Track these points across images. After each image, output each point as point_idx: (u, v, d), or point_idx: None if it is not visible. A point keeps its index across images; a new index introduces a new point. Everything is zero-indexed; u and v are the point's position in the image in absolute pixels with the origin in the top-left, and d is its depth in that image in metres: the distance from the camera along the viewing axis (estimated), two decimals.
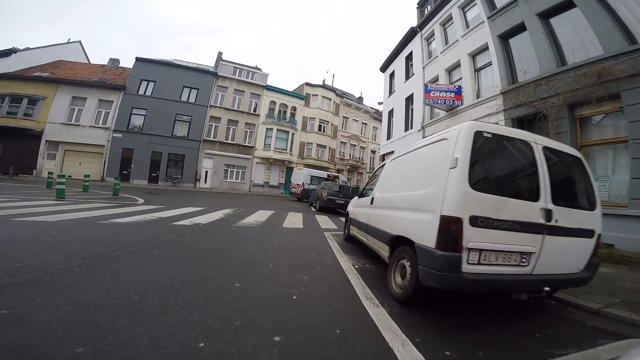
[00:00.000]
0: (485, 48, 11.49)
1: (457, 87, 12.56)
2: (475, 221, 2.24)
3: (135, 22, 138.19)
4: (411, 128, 16.79)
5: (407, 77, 18.06)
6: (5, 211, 5.69)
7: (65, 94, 22.97)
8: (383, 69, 22.38)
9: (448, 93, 12.48)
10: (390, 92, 20.93)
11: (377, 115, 39.26)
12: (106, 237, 4.44)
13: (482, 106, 10.93)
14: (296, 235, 6.80)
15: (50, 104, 22.71)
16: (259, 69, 29.76)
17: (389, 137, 20.39)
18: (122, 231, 5.00)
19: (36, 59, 24.06)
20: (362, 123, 36.95)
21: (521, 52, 10.07)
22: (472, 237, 2.23)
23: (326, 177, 20.23)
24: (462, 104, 12.36)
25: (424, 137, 9.01)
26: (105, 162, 23.43)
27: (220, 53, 28.93)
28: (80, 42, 27.65)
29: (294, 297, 2.72)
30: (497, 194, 2.34)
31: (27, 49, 23.54)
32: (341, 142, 34.29)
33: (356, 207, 5.70)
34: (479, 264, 2.28)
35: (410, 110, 17.31)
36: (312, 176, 19.53)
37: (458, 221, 2.22)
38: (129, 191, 16.30)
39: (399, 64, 19.43)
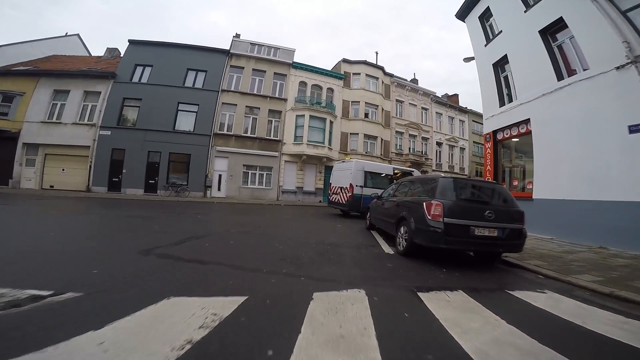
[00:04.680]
0: None
1: None
2: None
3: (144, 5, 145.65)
4: (583, 70, 8.30)
5: None
6: None
7: (45, 88, 18.44)
8: (464, 12, 14.26)
9: None
10: (491, 35, 12.69)
11: (440, 99, 30.57)
12: None
13: None
14: None
15: (29, 100, 18.24)
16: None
17: (505, 101, 11.83)
18: None
19: (25, 54, 20.28)
20: (422, 108, 28.40)
21: None
22: None
23: (392, 173, 12.48)
24: None
25: None
26: (91, 167, 18.03)
27: (237, 35, 23.14)
28: (78, 35, 24.06)
29: None
30: None
31: (12, 43, 19.82)
32: (396, 132, 26.02)
33: None
34: None
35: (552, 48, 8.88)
36: (366, 172, 11.74)
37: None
38: (117, 206, 10.82)
39: None
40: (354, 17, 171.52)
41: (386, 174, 12.29)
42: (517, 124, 10.85)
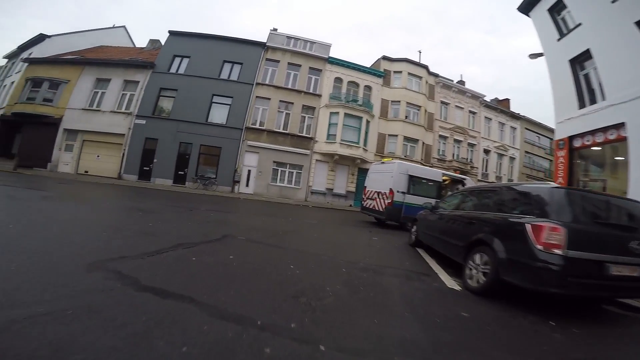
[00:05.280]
0: None
1: None
2: None
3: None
4: None
5: None
6: None
7: (89, 76, 18.94)
8: (529, 5, 12.26)
9: None
10: (565, 29, 10.71)
11: (490, 103, 27.88)
12: None
13: None
14: None
15: (73, 88, 18.77)
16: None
17: (586, 103, 9.73)
18: None
19: (74, 44, 21.10)
20: (470, 112, 25.91)
21: None
22: None
23: (440, 180, 10.60)
24: None
25: None
26: (124, 155, 18.05)
27: (274, 29, 22.51)
28: (124, 27, 24.80)
29: None
30: None
31: (62, 33, 20.69)
32: (440, 135, 23.81)
33: None
34: None
35: None
36: (411, 176, 9.93)
37: None
38: (133, 196, 10.02)
39: None
40: (393, 20, 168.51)
41: (434, 181, 10.46)
42: (605, 129, 8.74)
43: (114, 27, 24.09)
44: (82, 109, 18.50)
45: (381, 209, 9.83)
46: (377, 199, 10.16)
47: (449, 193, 11.04)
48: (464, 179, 11.25)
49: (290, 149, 19.41)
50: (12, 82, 20.48)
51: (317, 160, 19.79)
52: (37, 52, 19.88)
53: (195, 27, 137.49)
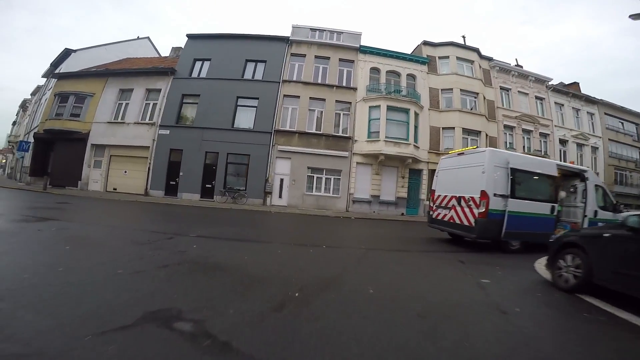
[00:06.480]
0: None
1: None
2: None
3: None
4: None
5: None
6: None
7: (112, 88, 18.13)
8: None
9: None
10: None
11: (559, 87, 23.33)
12: None
13: None
14: None
15: (98, 101, 18.02)
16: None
17: None
18: None
19: (100, 58, 20.57)
20: (536, 97, 21.63)
21: None
22: None
23: (555, 174, 7.12)
24: None
25: None
26: (149, 169, 16.79)
27: (295, 27, 20.05)
28: (148, 37, 24.19)
29: None
30: None
31: (86, 48, 20.24)
32: (505, 125, 19.85)
33: None
34: None
35: None
36: (513, 170, 6.55)
37: None
38: (132, 217, 8.23)
39: None
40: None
41: (547, 176, 7.05)
42: None
43: (138, 39, 23.53)
44: (108, 122, 17.64)
45: (467, 223, 6.70)
46: (458, 208, 7.05)
47: (562, 193, 7.81)
48: (584, 170, 7.80)
49: (326, 151, 16.89)
50: (46, 100, 20.42)
51: (358, 162, 17.04)
52: (65, 67, 19.55)
53: (216, 30, 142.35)
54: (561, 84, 26.35)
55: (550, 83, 22.83)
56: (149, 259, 4.02)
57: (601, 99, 24.95)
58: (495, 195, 6.32)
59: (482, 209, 6.32)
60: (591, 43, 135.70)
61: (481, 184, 6.42)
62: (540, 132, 20.55)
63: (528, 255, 6.26)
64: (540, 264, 5.31)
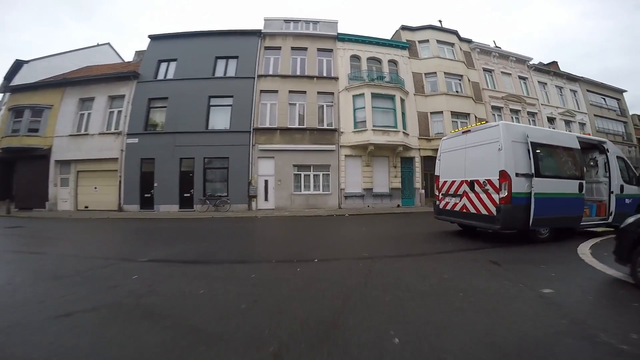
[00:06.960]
0: None
1: None
2: None
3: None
4: None
5: None
6: None
7: (71, 98, 16.56)
8: None
9: None
10: None
11: (540, 66, 23.15)
12: None
13: None
14: None
15: (57, 113, 16.42)
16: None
17: None
18: None
19: (57, 68, 18.86)
20: (519, 77, 21.31)
21: None
22: None
23: (579, 147, 6.12)
24: None
25: None
26: (120, 182, 15.30)
27: (267, 20, 18.95)
28: (109, 43, 22.51)
29: None
30: None
31: (40, 58, 18.54)
32: (493, 107, 19.29)
33: None
34: None
35: None
36: (535, 144, 5.41)
37: None
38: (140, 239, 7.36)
39: None
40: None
41: (571, 149, 5.99)
42: None
43: (98, 45, 21.85)
44: (70, 135, 16.05)
45: (485, 212, 5.52)
46: (472, 195, 5.88)
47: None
48: (603, 142, 6.91)
49: (312, 146, 15.81)
50: (1, 116, 18.57)
51: (346, 155, 16.03)
52: (19, 80, 17.77)
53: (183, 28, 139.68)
54: (541, 63, 26.22)
55: (530, 62, 22.57)
56: (52, 302, 2.70)
57: (582, 77, 24.99)
58: (517, 175, 5.19)
59: (504, 193, 5.14)
60: (559, 29, 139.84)
61: (499, 164, 5.24)
62: (528, 112, 20.14)
63: (561, 244, 5.38)
64: (585, 254, 4.44)
